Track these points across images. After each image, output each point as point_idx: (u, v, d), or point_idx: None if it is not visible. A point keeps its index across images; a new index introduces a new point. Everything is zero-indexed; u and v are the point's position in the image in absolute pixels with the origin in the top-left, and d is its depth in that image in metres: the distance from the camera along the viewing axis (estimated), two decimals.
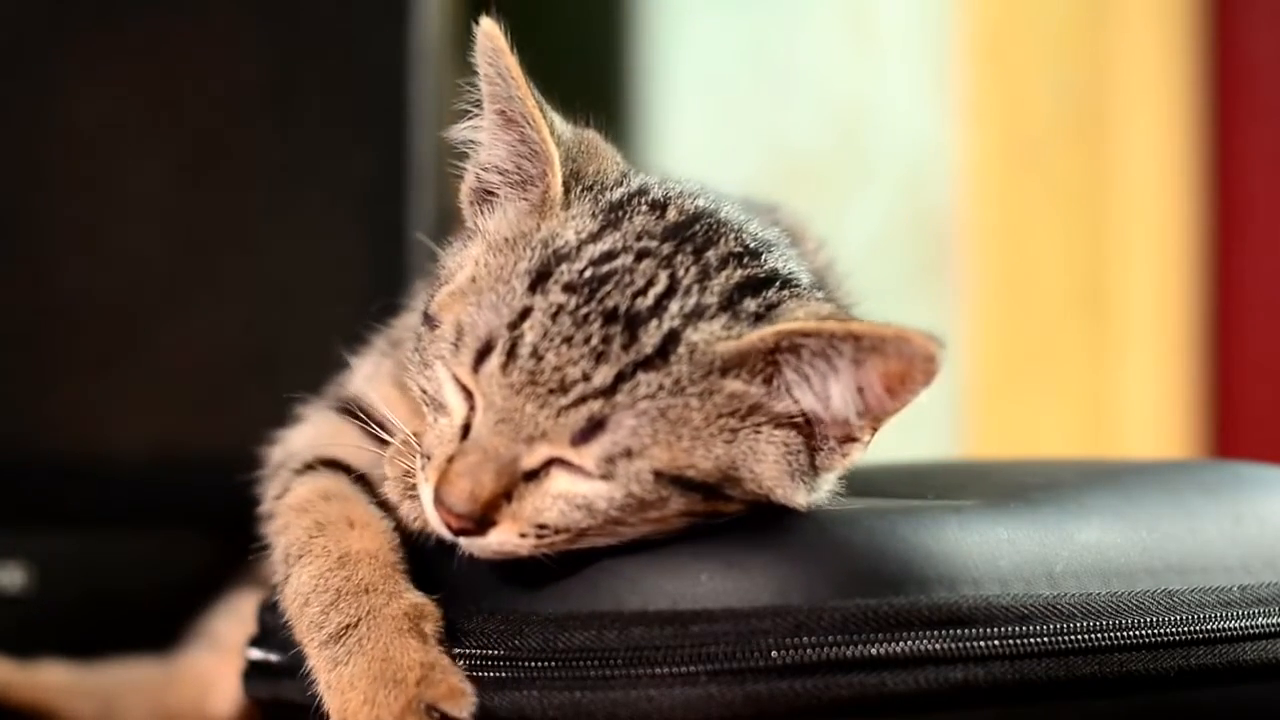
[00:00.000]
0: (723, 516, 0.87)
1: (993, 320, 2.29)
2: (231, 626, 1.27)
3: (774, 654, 0.83)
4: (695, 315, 0.86)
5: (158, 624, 1.35)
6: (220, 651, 1.29)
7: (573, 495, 0.85)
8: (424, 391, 0.90)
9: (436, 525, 0.86)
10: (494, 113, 0.92)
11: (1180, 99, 2.44)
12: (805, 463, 0.87)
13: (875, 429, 0.88)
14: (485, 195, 0.94)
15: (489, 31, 0.90)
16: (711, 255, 0.88)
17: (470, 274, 0.90)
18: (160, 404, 1.55)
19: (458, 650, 0.87)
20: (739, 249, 0.90)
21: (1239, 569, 0.94)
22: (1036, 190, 2.33)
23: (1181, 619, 0.90)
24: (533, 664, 0.86)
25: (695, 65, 2.18)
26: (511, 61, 0.90)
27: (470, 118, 0.94)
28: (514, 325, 0.85)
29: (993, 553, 0.88)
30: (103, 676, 1.35)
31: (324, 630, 0.88)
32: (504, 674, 0.86)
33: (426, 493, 0.86)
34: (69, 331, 1.54)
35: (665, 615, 0.84)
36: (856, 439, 0.88)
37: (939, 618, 0.84)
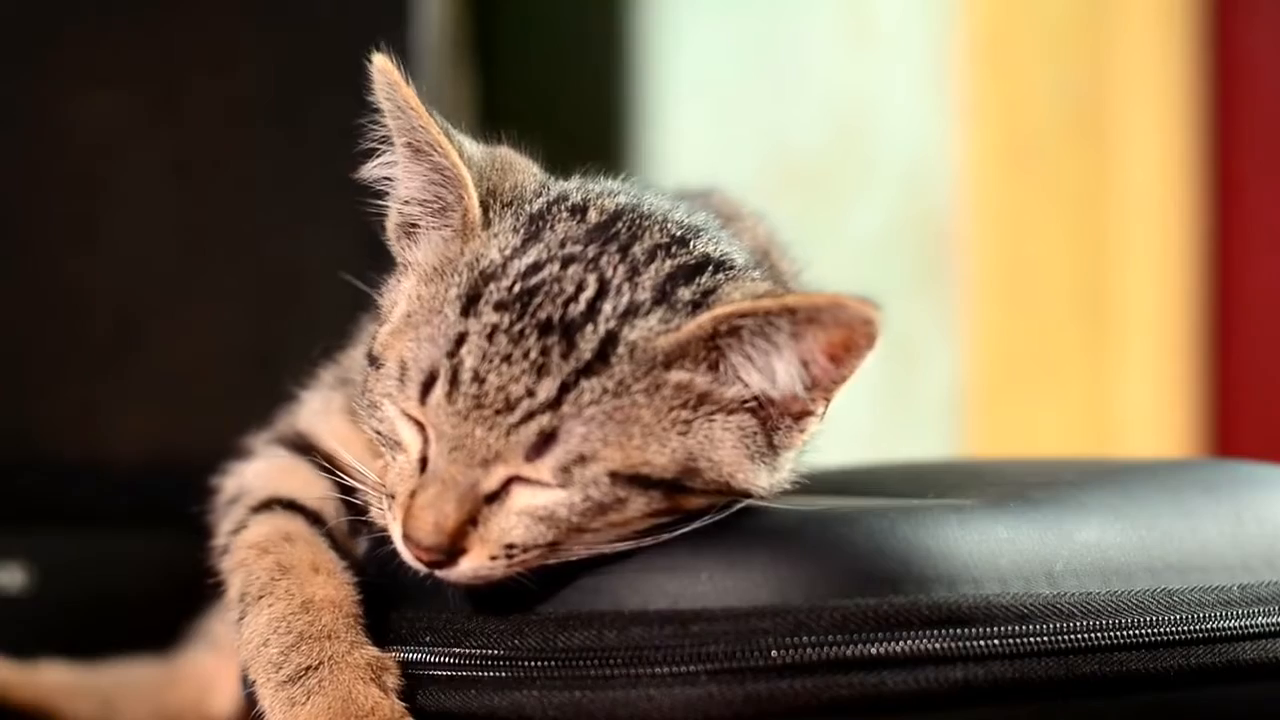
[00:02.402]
0: (689, 515, 0.86)
1: (993, 320, 2.29)
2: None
3: (774, 653, 0.83)
4: (630, 313, 0.86)
5: (158, 624, 1.35)
6: (220, 651, 1.29)
7: (534, 509, 0.85)
8: (379, 433, 0.89)
9: (410, 561, 0.86)
10: (402, 146, 0.92)
11: (1180, 99, 2.44)
12: (763, 444, 0.87)
13: (828, 400, 0.87)
14: (410, 229, 0.94)
15: (382, 67, 0.90)
16: (638, 250, 0.88)
17: (405, 309, 0.90)
18: (160, 404, 1.55)
19: (458, 650, 0.87)
20: (665, 239, 0.90)
21: (1239, 568, 0.94)
22: (1036, 190, 2.33)
23: (1181, 618, 0.90)
24: (533, 663, 0.86)
25: (695, 65, 2.18)
26: (409, 93, 0.90)
27: (380, 155, 0.94)
28: (452, 353, 0.85)
29: (992, 552, 0.87)
30: (103, 676, 1.35)
31: (282, 671, 0.88)
32: (504, 674, 0.86)
33: (396, 531, 0.86)
34: (69, 331, 1.54)
35: (665, 615, 0.84)
36: (811, 413, 0.88)
37: (939, 617, 0.84)
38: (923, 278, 2.25)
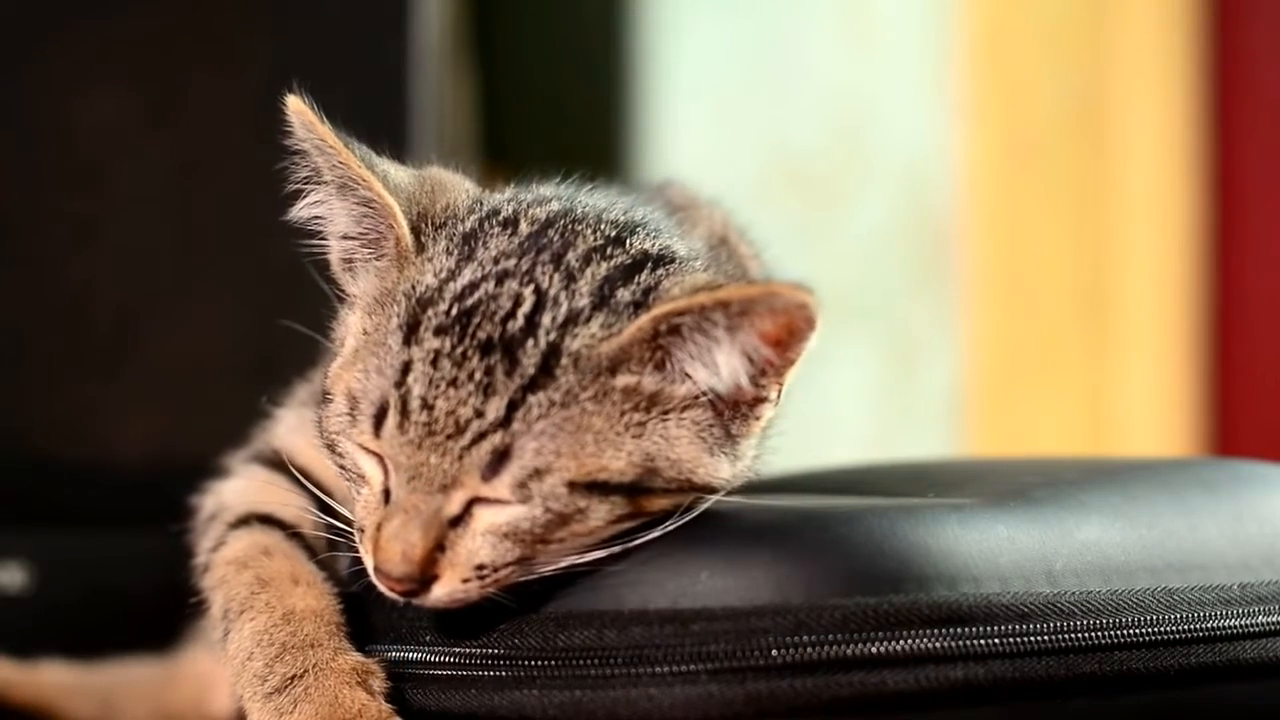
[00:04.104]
0: (654, 519, 0.86)
1: (993, 320, 2.29)
2: None
3: (774, 653, 0.83)
4: (570, 322, 0.85)
5: (158, 624, 1.35)
6: None
7: (498, 527, 0.84)
8: (342, 468, 0.89)
9: (385, 592, 0.86)
10: (329, 183, 0.92)
11: (1180, 99, 2.44)
12: (720, 435, 0.87)
13: (780, 384, 0.87)
14: (350, 263, 0.94)
15: (296, 108, 0.91)
16: (571, 257, 0.88)
17: (353, 343, 0.90)
18: (160, 404, 1.55)
19: (458, 649, 0.87)
20: (600, 241, 0.89)
21: (1239, 567, 0.94)
22: (1036, 190, 2.34)
23: (1181, 617, 0.90)
24: (533, 663, 0.86)
25: (695, 66, 2.18)
26: (325, 131, 0.90)
27: (307, 195, 0.94)
28: (400, 383, 0.85)
29: (993, 551, 0.87)
30: (103, 676, 1.35)
31: (268, 683, 0.88)
32: (504, 673, 0.86)
33: (369, 563, 0.86)
34: (69, 331, 1.54)
35: (665, 614, 0.84)
36: (764, 399, 0.88)
37: (939, 616, 0.84)
38: (923, 276, 2.25)
